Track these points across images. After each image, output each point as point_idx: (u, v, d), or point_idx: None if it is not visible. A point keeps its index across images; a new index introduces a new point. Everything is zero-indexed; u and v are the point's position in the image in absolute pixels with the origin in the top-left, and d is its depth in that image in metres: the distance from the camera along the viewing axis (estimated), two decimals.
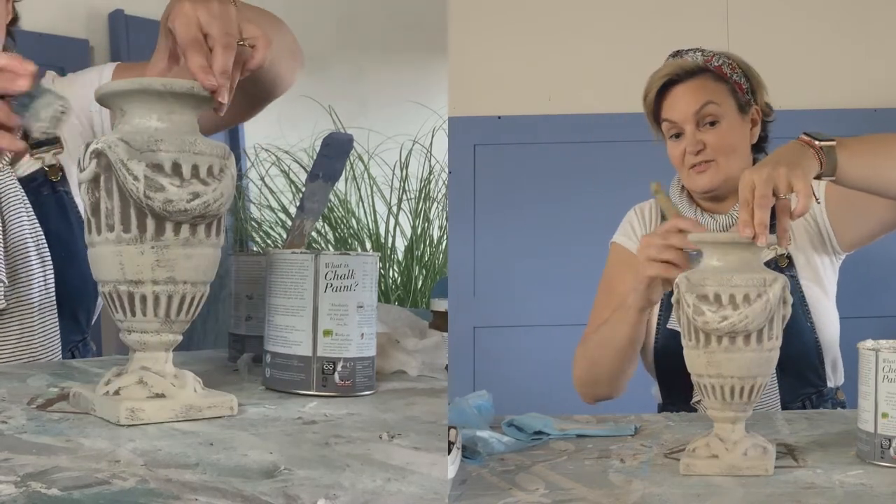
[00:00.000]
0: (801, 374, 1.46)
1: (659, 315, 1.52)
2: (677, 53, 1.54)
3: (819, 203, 1.18)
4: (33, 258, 1.35)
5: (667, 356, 1.52)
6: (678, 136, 1.50)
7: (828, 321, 1.49)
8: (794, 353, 1.44)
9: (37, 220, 1.37)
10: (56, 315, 1.38)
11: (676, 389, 1.50)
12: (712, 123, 1.48)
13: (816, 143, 1.15)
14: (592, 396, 1.49)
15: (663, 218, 1.53)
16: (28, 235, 1.35)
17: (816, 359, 1.47)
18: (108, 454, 0.76)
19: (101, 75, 1.47)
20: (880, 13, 2.63)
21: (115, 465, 0.73)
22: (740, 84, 1.51)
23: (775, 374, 1.42)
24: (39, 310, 1.35)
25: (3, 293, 1.31)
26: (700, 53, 1.52)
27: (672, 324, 1.49)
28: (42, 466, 0.71)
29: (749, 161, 1.51)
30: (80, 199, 1.39)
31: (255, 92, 1.34)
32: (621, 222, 1.64)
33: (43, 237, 1.37)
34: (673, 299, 1.00)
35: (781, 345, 1.44)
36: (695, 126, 1.48)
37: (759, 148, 1.55)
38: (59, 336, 1.38)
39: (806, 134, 1.17)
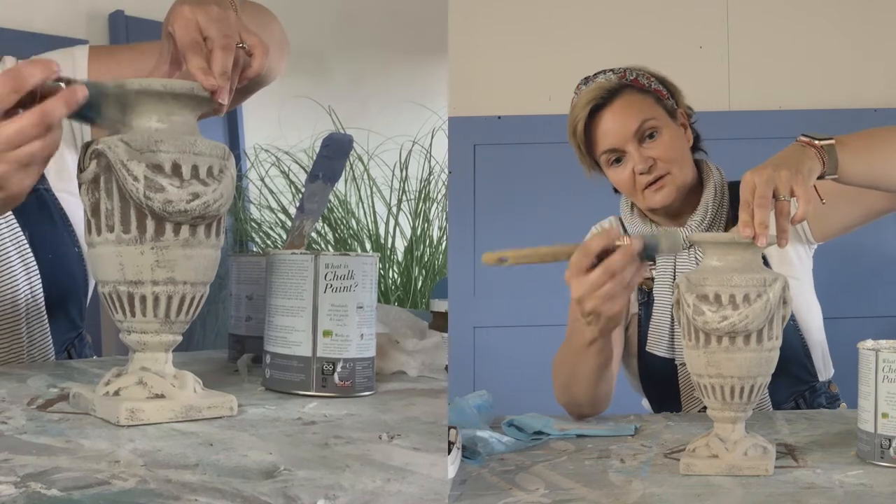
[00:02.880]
0: (792, 373, 1.44)
1: (639, 336, 1.50)
2: (586, 81, 1.48)
3: (824, 203, 1.17)
4: (17, 266, 1.30)
5: (651, 377, 1.51)
6: (619, 160, 1.44)
7: (810, 316, 1.47)
8: (782, 353, 1.43)
9: (17, 225, 1.32)
10: (45, 322, 1.34)
11: (665, 407, 1.50)
12: (651, 136, 1.42)
13: (816, 142, 1.15)
14: (577, 415, 1.39)
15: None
16: (9, 243, 1.30)
17: (804, 355, 1.45)
18: (108, 454, 0.76)
19: (74, 60, 1.38)
20: (880, 13, 2.64)
21: (115, 465, 0.73)
22: (661, 91, 1.47)
23: None
24: (27, 318, 1.31)
25: None
26: (611, 73, 1.46)
27: (651, 347, 1.48)
28: (42, 467, 0.71)
29: (692, 166, 1.47)
30: (60, 195, 1.39)
31: (246, 86, 1.34)
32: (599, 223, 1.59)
33: (25, 242, 1.32)
34: (673, 299, 1.00)
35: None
36: (637, 145, 1.42)
37: (696, 149, 1.51)
38: (50, 342, 1.35)
39: (804, 135, 1.16)
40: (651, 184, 1.42)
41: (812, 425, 1.14)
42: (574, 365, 1.31)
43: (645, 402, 1.59)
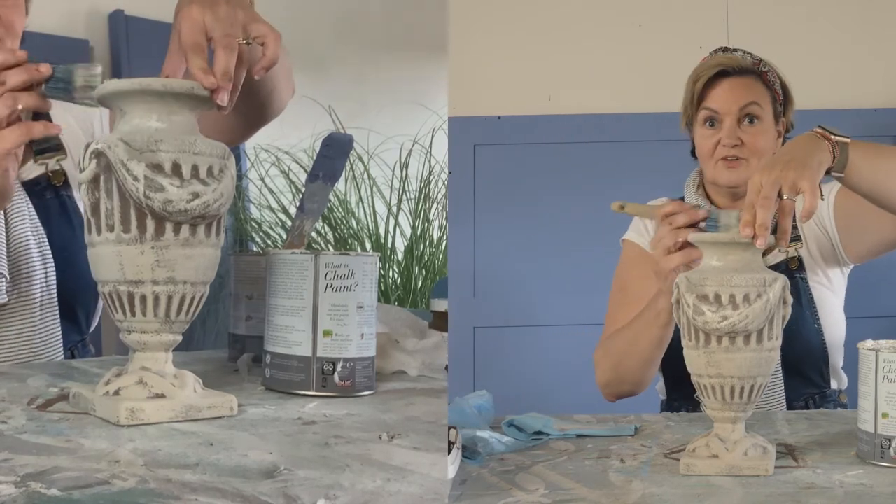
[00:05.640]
0: (805, 375, 1.47)
1: None
2: (725, 49, 1.55)
3: (823, 200, 1.19)
4: (35, 256, 1.37)
5: (673, 350, 1.53)
6: (712, 124, 1.51)
7: (835, 324, 1.50)
8: (800, 353, 1.45)
9: (39, 222, 1.39)
10: (57, 314, 1.39)
11: (681, 383, 1.51)
12: (751, 121, 1.49)
13: (832, 137, 1.16)
14: (616, 395, 1.48)
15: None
16: (30, 234, 1.37)
17: (822, 360, 1.48)
18: (108, 454, 0.76)
19: (93, 123, 1.49)
20: (880, 13, 2.63)
21: (115, 465, 0.73)
22: (779, 94, 1.53)
23: (780, 373, 1.43)
24: (41, 307, 1.36)
25: (4, 287, 1.33)
26: (749, 55, 1.53)
27: None
28: (42, 466, 0.71)
29: None
30: (81, 203, 1.42)
31: (251, 105, 1.35)
32: (633, 220, 1.63)
33: (45, 237, 1.39)
34: (673, 299, 1.00)
35: (788, 344, 1.46)
36: (735, 121, 1.48)
37: None
38: (60, 335, 1.39)
39: (820, 127, 1.17)
40: (728, 159, 1.48)
41: (812, 425, 1.14)
42: (635, 340, 1.39)
43: (659, 385, 1.60)
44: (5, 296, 1.33)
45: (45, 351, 1.36)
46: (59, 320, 1.39)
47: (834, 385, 1.51)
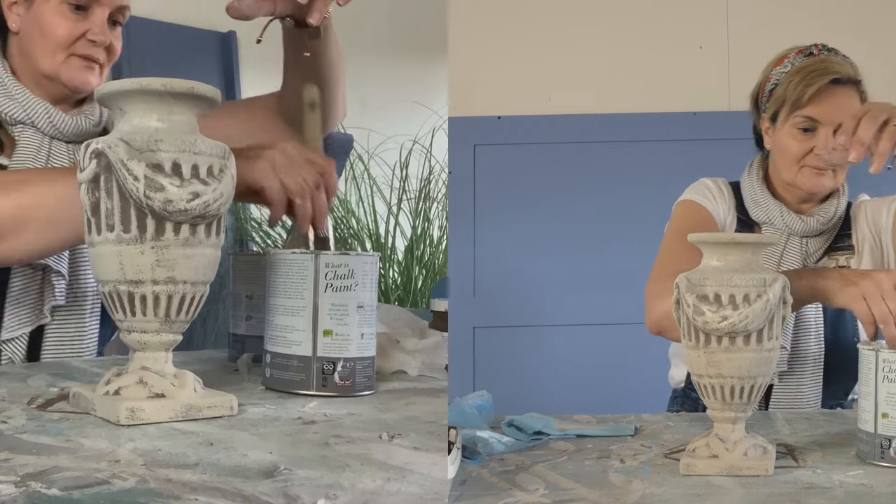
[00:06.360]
0: (835, 389, 1.48)
1: None
2: (830, 50, 1.53)
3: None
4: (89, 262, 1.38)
5: None
6: (808, 130, 1.48)
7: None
8: (841, 366, 1.45)
9: None
10: (99, 321, 1.40)
11: None
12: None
13: None
14: (667, 328, 1.42)
15: (746, 226, 1.54)
16: None
17: (852, 376, 1.49)
18: (108, 454, 0.76)
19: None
20: (880, 14, 2.64)
21: (115, 465, 0.73)
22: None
23: (821, 374, 1.43)
24: (90, 313, 1.38)
25: (64, 289, 1.34)
26: (848, 60, 1.52)
27: None
28: (42, 466, 0.71)
29: None
30: None
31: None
32: (692, 186, 1.60)
33: None
34: (673, 299, 1.00)
35: (831, 351, 1.47)
36: (832, 132, 1.46)
37: None
38: (97, 343, 1.41)
39: None
40: (820, 168, 1.47)
41: (812, 425, 1.14)
42: None
43: (672, 371, 1.60)
44: (63, 297, 1.34)
45: (88, 354, 1.38)
46: (98, 328, 1.40)
47: (850, 396, 1.52)
